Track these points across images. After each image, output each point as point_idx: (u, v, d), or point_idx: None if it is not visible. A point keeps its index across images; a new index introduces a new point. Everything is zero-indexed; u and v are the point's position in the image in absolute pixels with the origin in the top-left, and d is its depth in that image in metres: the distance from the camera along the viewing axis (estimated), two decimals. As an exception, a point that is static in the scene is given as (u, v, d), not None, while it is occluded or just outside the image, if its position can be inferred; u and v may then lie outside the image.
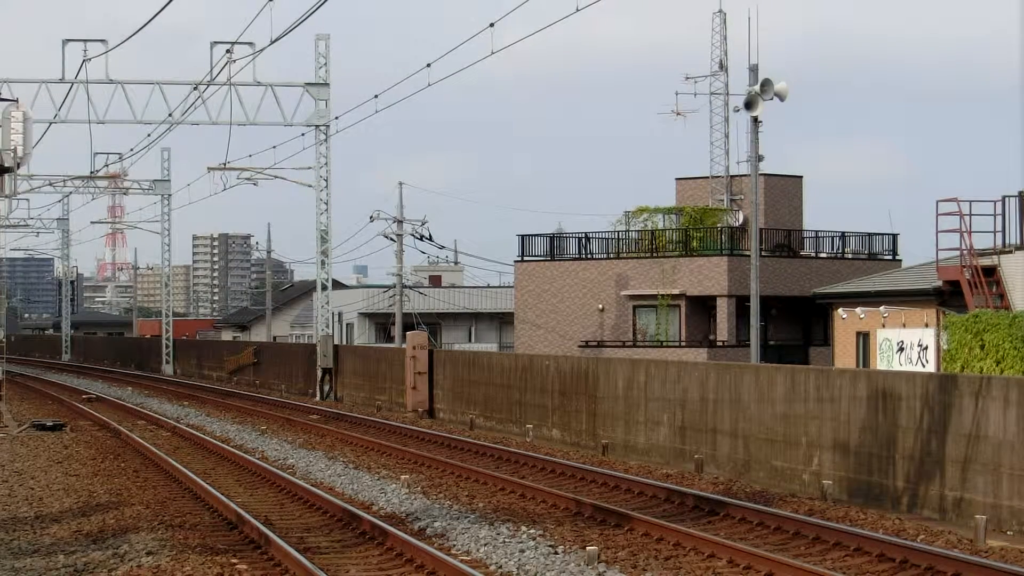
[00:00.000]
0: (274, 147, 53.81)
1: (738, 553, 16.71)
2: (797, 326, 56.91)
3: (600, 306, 56.50)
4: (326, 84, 50.52)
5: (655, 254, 56.11)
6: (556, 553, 17.17)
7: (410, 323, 71.24)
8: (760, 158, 35.91)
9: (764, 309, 39.60)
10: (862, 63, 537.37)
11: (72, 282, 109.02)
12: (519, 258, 59.53)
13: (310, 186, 51.76)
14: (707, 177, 59.23)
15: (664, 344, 53.82)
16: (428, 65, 35.06)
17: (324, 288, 51.99)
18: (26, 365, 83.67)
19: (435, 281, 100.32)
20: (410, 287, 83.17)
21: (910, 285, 39.33)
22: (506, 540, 18.02)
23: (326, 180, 51.23)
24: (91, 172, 62.81)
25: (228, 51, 42.20)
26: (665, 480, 24.45)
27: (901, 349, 37.69)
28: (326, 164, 51.21)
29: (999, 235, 35.08)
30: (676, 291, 54.34)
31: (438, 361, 41.33)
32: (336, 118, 51.83)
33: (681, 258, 55.03)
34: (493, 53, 29.77)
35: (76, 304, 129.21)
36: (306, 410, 42.73)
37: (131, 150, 56.33)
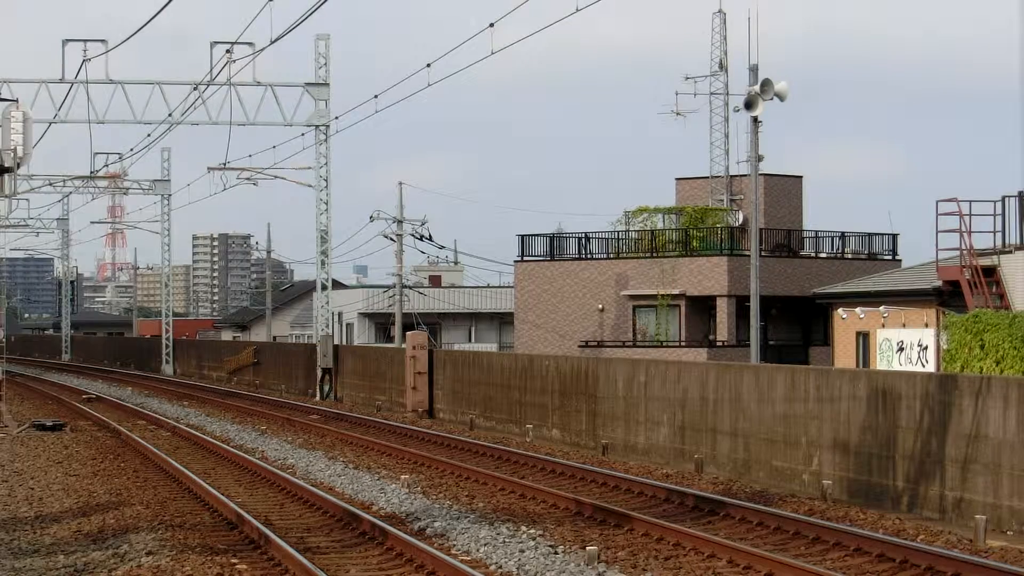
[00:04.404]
0: (274, 147, 53.93)
1: (738, 553, 16.71)
2: (797, 326, 56.91)
3: (600, 306, 56.50)
4: (326, 84, 50.52)
5: (655, 254, 56.11)
6: (556, 553, 17.17)
7: (410, 323, 71.22)
8: (760, 158, 35.91)
9: (764, 309, 39.58)
10: (862, 63, 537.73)
11: (72, 282, 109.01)
12: (519, 258, 59.54)
13: (310, 186, 51.79)
14: (707, 177, 59.24)
15: (664, 344, 53.81)
16: (428, 65, 35.08)
17: (324, 288, 51.99)
18: (26, 365, 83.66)
19: (435, 281, 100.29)
20: (410, 287, 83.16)
21: (910, 285, 39.33)
22: (506, 540, 18.01)
23: (326, 180, 51.23)
24: (91, 172, 62.84)
25: (228, 51, 42.24)
26: (665, 480, 24.45)
27: (901, 349, 37.70)
28: (326, 164, 51.21)
29: (999, 235, 35.09)
30: (676, 291, 54.33)
31: (438, 361, 41.32)
32: (336, 118, 51.88)
33: (681, 258, 55.03)
34: (493, 53, 29.78)
35: (76, 304, 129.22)
36: (306, 410, 42.72)
37: (131, 150, 56.43)
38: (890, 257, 57.88)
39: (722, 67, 59.61)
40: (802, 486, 23.41)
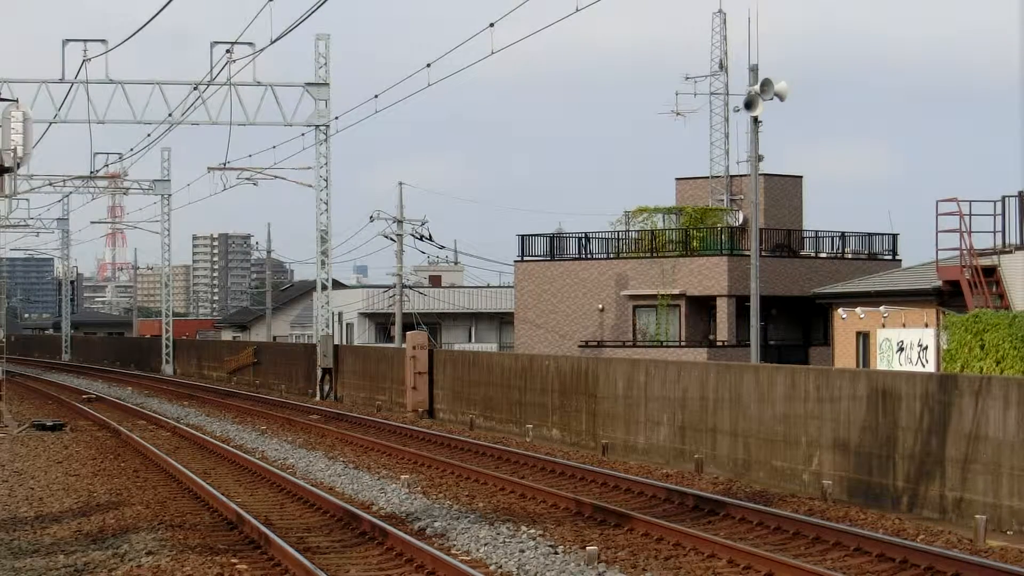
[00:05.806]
0: (274, 147, 54.01)
1: (738, 553, 16.71)
2: (797, 326, 56.91)
3: (600, 306, 56.50)
4: (326, 84, 50.52)
5: (655, 254, 56.11)
6: (556, 553, 17.17)
7: (410, 323, 71.22)
8: (760, 158, 35.91)
9: (764, 309, 39.57)
10: (862, 63, 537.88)
11: (72, 282, 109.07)
12: (519, 258, 59.54)
13: (310, 186, 51.78)
14: (707, 177, 59.24)
15: (664, 344, 53.81)
16: (428, 65, 35.06)
17: (324, 288, 51.99)
18: (26, 365, 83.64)
19: (435, 281, 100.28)
20: (410, 287, 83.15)
21: (910, 285, 39.32)
22: (506, 540, 18.01)
23: (326, 180, 51.23)
24: (91, 172, 62.88)
25: (228, 51, 42.23)
26: (665, 480, 24.45)
27: (901, 349, 37.69)
28: (326, 164, 51.21)
29: (999, 235, 35.09)
30: (676, 291, 54.33)
31: (438, 361, 41.32)
32: (336, 118, 51.86)
33: (681, 258, 55.03)
34: (493, 53, 29.77)
35: (76, 304, 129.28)
36: (306, 410, 42.72)
37: (131, 150, 56.51)
38: (890, 257, 57.89)
39: (722, 67, 59.62)
40: (802, 486, 23.41)
